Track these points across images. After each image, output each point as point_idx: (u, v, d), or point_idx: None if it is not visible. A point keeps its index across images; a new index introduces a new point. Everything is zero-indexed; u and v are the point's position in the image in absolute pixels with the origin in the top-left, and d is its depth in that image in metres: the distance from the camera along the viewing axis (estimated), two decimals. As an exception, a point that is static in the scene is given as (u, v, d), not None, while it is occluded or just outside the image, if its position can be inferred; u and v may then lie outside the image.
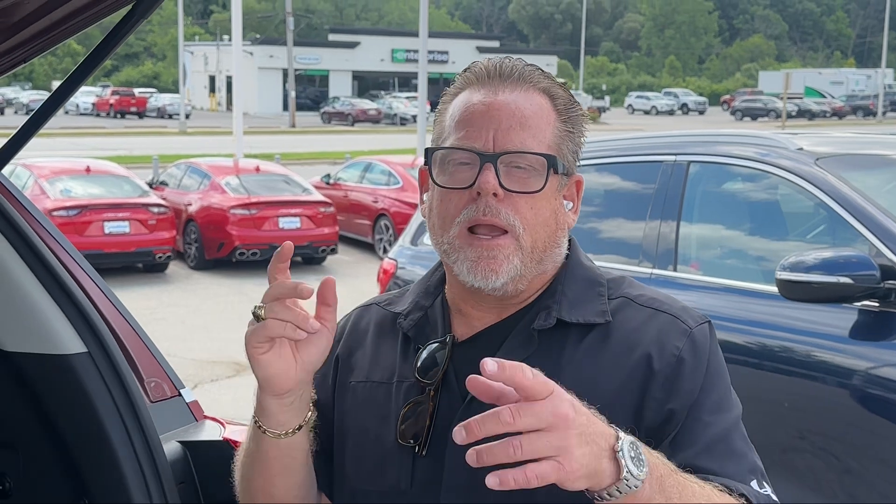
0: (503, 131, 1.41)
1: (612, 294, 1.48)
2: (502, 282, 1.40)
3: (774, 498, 1.38)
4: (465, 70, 1.51)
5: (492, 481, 1.09)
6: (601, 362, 1.40)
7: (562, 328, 1.43)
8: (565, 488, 1.14)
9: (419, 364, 1.45)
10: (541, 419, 1.11)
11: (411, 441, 1.43)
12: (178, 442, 1.93)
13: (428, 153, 1.46)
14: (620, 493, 1.17)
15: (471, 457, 1.10)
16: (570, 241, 1.54)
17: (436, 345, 1.46)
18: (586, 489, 1.17)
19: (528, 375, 1.11)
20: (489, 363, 1.10)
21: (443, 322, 1.50)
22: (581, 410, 1.16)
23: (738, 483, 1.34)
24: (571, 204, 1.51)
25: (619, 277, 1.53)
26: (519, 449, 1.09)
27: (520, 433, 1.10)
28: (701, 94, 79.98)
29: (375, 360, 1.53)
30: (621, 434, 1.18)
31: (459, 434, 1.10)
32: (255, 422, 1.44)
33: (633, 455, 1.17)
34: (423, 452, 1.42)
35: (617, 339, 1.42)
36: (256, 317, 1.33)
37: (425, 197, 1.50)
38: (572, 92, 1.55)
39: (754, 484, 1.36)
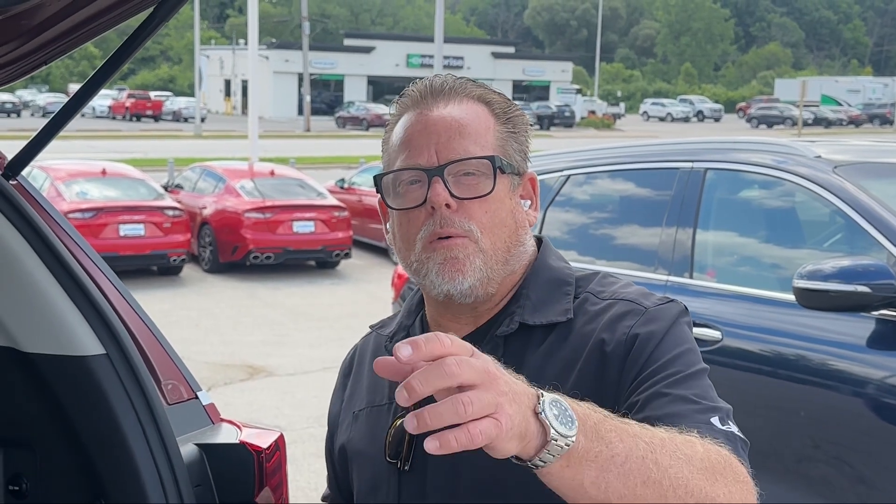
0: (444, 143, 1.43)
1: (578, 292, 1.49)
2: (469, 283, 1.42)
3: (740, 434, 1.30)
4: (399, 96, 1.53)
5: (431, 445, 0.99)
6: (561, 360, 1.41)
7: (525, 331, 1.45)
8: (497, 453, 1.05)
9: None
10: (478, 373, 1.03)
11: (396, 457, 1.47)
12: (195, 444, 1.93)
13: (377, 181, 1.49)
14: (553, 455, 1.07)
15: (410, 422, 1.00)
16: (541, 241, 1.56)
17: None
18: (517, 457, 1.08)
19: (447, 343, 1.04)
20: (402, 349, 1.02)
21: None
22: (501, 370, 1.08)
23: (692, 422, 1.26)
24: (530, 202, 1.53)
25: (591, 274, 1.53)
26: (470, 405, 1.00)
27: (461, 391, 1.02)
28: (717, 102, 79.84)
29: (373, 386, 1.58)
30: (543, 393, 1.09)
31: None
32: None
33: (556, 413, 1.07)
34: (407, 467, 1.46)
35: (575, 334, 1.43)
36: None
37: (388, 226, 1.52)
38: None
39: (715, 420, 1.29)
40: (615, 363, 1.37)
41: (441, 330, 1.50)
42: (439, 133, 1.44)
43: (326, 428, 1.71)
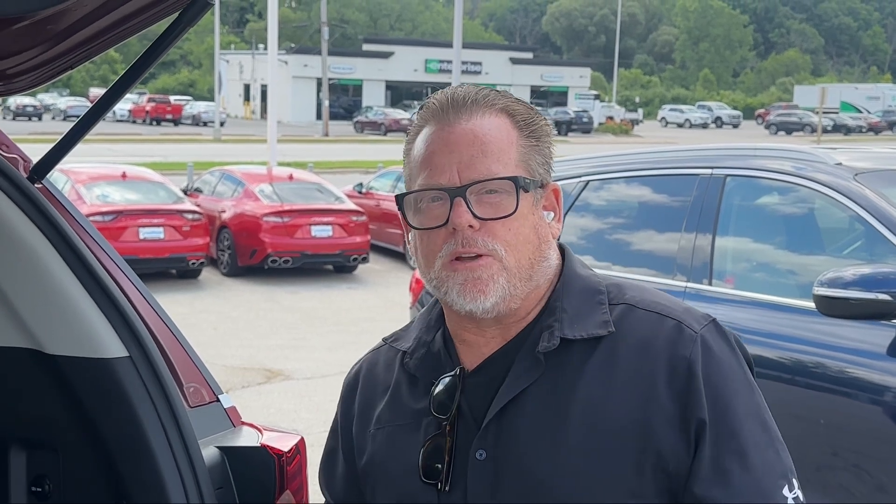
0: (465, 162, 1.41)
1: (613, 300, 1.46)
2: (492, 302, 1.40)
3: (801, 500, 1.39)
4: (420, 107, 1.50)
5: None
6: (611, 380, 1.39)
7: (567, 346, 1.42)
8: None
9: (434, 400, 1.46)
10: None
11: (434, 478, 1.44)
12: (217, 447, 1.94)
13: (399, 200, 1.46)
14: None
15: None
16: (563, 251, 1.53)
17: (448, 379, 1.46)
18: None
19: None
20: None
21: (447, 355, 1.51)
22: None
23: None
24: (553, 214, 1.50)
25: (618, 282, 1.51)
26: None
27: None
28: (735, 108, 79.50)
29: (392, 404, 1.54)
30: None
31: None
32: None
33: None
34: (447, 488, 1.43)
35: (625, 352, 1.41)
36: None
37: (409, 237, 1.50)
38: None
39: (785, 490, 1.37)
40: (674, 400, 1.37)
41: (464, 345, 1.49)
42: (461, 151, 1.41)
43: (328, 441, 1.65)
